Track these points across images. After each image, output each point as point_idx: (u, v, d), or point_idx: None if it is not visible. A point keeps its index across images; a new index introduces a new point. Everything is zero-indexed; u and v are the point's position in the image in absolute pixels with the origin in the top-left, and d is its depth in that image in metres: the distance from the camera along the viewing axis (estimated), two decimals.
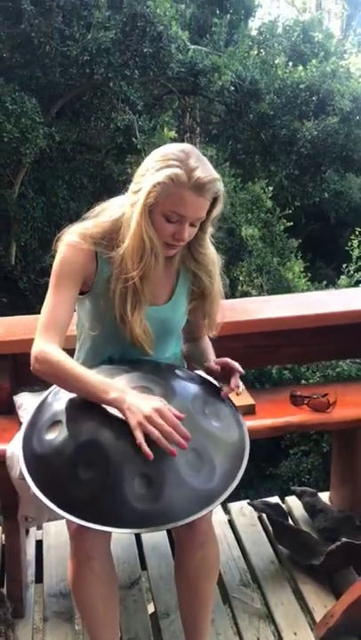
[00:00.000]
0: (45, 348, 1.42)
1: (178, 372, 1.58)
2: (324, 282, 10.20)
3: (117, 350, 1.60)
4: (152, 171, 1.40)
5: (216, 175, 1.41)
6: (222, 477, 1.34)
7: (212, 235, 1.64)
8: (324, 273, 11.48)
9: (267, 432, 2.04)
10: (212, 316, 1.66)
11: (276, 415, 2.07)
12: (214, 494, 1.32)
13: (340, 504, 2.39)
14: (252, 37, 9.11)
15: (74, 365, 1.40)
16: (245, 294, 8.93)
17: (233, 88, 7.55)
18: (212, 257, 1.61)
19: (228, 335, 1.79)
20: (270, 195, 10.19)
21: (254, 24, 10.58)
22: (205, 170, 1.40)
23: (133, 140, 7.29)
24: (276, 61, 8.43)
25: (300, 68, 8.44)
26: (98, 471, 1.28)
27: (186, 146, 1.44)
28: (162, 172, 1.38)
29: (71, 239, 1.48)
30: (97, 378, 1.38)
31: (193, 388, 1.52)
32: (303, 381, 6.58)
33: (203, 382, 1.58)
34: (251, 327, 2.19)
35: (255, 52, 8.59)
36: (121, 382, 1.41)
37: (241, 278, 9.27)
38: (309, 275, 10.66)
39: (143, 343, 1.54)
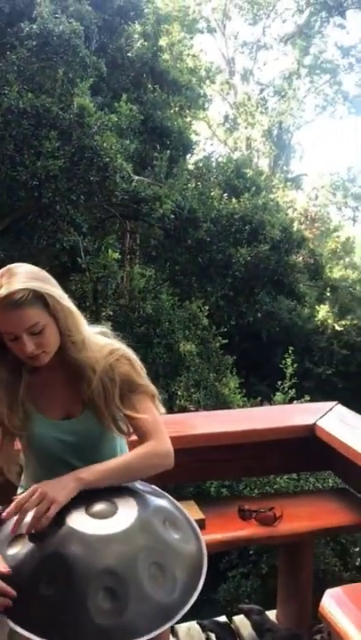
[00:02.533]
0: None
1: (136, 484, 1.61)
2: (259, 398, 10.45)
3: (50, 466, 1.59)
4: None
5: (21, 285, 1.43)
6: (183, 590, 1.37)
7: (105, 333, 1.64)
8: (258, 389, 11.77)
9: (217, 547, 2.08)
10: (113, 416, 1.59)
11: (226, 529, 2.12)
12: (175, 608, 1.34)
13: (287, 621, 2.39)
14: (190, 171, 9.90)
15: None
16: (183, 409, 9.02)
17: (173, 216, 8.08)
18: (90, 361, 1.54)
19: (180, 449, 1.87)
20: (206, 313, 10.63)
21: (192, 159, 11.52)
22: (10, 284, 1.44)
23: (78, 259, 7.60)
24: (213, 193, 9.14)
25: (234, 200, 9.18)
26: (60, 586, 1.29)
27: (6, 268, 1.52)
28: None
29: None
30: None
31: (152, 499, 1.55)
32: (223, 489, 6.56)
33: (159, 494, 1.63)
34: (202, 441, 2.28)
35: (193, 185, 9.31)
36: (83, 494, 1.45)
37: (179, 393, 9.40)
38: (244, 390, 10.91)
39: (66, 457, 1.57)
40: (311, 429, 2.42)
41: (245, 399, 10.14)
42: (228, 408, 9.55)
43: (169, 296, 10.02)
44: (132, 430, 1.65)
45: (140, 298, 9.41)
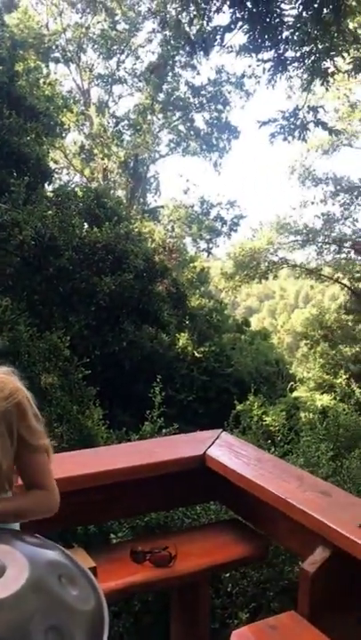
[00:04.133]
0: None
1: (24, 536, 1.44)
2: (124, 428, 10.30)
3: None
4: None
5: None
6: None
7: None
8: (122, 419, 11.62)
9: (112, 596, 1.91)
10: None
11: (119, 576, 1.97)
12: None
13: None
14: (49, 198, 9.69)
15: None
16: None
17: (33, 242, 7.80)
18: None
19: (67, 492, 1.70)
20: (68, 344, 10.34)
21: (50, 187, 11.30)
22: None
23: None
24: (74, 221, 8.99)
25: (96, 229, 9.11)
26: None
27: None
28: None
29: None
30: None
31: (43, 552, 1.39)
32: (112, 535, 6.32)
33: (50, 545, 1.46)
34: (88, 481, 2.11)
35: (53, 212, 9.11)
36: None
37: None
38: (108, 422, 10.70)
39: None
40: (201, 460, 2.36)
41: (110, 431, 9.94)
42: (93, 441, 9.28)
43: (27, 327, 9.61)
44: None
45: None
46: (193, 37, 5.57)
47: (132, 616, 6.21)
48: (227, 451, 2.44)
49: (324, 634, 1.76)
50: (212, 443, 2.48)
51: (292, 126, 5.27)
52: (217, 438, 2.54)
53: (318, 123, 5.53)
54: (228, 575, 4.29)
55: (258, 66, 5.44)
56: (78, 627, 1.24)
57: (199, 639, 2.22)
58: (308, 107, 5.45)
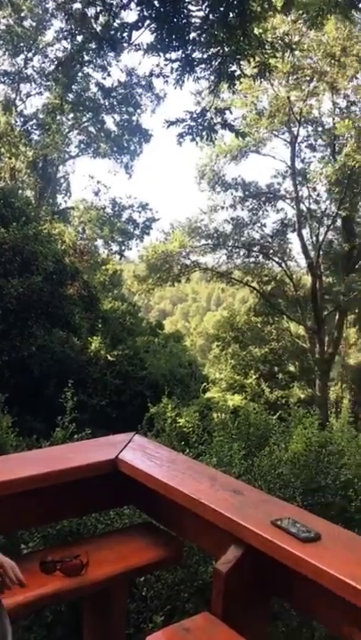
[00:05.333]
0: None
1: None
2: (35, 435, 10.00)
3: None
4: None
5: None
6: None
7: None
8: (32, 426, 11.28)
9: (20, 611, 1.82)
10: None
11: (27, 589, 1.87)
12: None
13: None
14: None
15: None
16: None
17: None
18: None
19: None
20: None
21: None
22: None
23: None
24: None
25: (3, 229, 8.80)
26: None
27: None
28: None
29: None
30: None
31: None
32: (23, 545, 6.10)
33: None
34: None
35: None
36: None
37: None
38: (17, 429, 10.37)
39: None
40: (114, 464, 2.30)
41: (20, 438, 9.63)
42: (2, 449, 8.95)
43: None
44: None
45: None
46: (100, 33, 5.50)
47: (45, 628, 6.00)
48: (140, 454, 2.40)
49: (237, 633, 1.76)
50: (125, 446, 2.44)
51: (200, 127, 5.31)
52: (129, 441, 2.50)
53: (225, 125, 5.62)
54: (142, 579, 4.25)
55: (166, 65, 5.47)
56: None
57: None
58: (216, 109, 5.53)
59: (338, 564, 1.67)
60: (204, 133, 5.33)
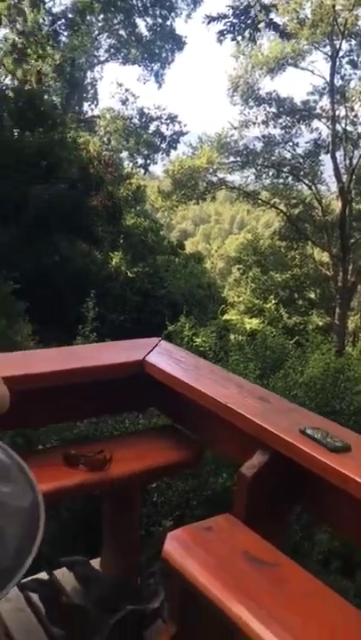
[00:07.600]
0: None
1: None
2: (54, 343, 10.14)
3: None
4: None
5: None
6: (16, 551, 1.13)
7: None
8: (53, 335, 11.43)
9: (44, 500, 1.83)
10: None
11: (52, 480, 1.88)
12: (9, 571, 1.10)
13: (114, 569, 2.26)
14: None
15: None
16: None
17: None
18: None
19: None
20: None
21: None
22: None
23: None
24: (4, 123, 8.37)
25: (28, 133, 8.53)
26: None
27: None
28: None
29: None
30: None
31: None
32: (40, 446, 6.30)
33: None
34: (19, 383, 1.98)
35: None
36: None
37: None
38: (38, 337, 10.50)
39: None
40: (140, 365, 2.26)
41: (41, 345, 9.77)
42: None
43: None
44: None
45: None
46: None
47: (60, 524, 6.28)
48: (166, 357, 2.36)
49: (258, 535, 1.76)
50: (152, 349, 2.39)
51: (242, 25, 4.94)
52: (156, 345, 2.45)
53: (270, 24, 5.23)
54: (154, 486, 4.36)
55: None
56: (9, 524, 1.15)
57: (132, 543, 2.21)
58: (261, 5, 5.10)
59: None
60: (246, 33, 4.97)
